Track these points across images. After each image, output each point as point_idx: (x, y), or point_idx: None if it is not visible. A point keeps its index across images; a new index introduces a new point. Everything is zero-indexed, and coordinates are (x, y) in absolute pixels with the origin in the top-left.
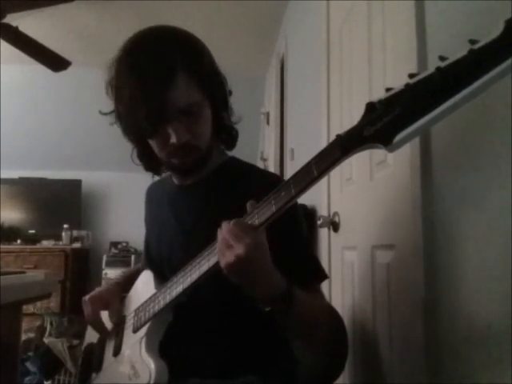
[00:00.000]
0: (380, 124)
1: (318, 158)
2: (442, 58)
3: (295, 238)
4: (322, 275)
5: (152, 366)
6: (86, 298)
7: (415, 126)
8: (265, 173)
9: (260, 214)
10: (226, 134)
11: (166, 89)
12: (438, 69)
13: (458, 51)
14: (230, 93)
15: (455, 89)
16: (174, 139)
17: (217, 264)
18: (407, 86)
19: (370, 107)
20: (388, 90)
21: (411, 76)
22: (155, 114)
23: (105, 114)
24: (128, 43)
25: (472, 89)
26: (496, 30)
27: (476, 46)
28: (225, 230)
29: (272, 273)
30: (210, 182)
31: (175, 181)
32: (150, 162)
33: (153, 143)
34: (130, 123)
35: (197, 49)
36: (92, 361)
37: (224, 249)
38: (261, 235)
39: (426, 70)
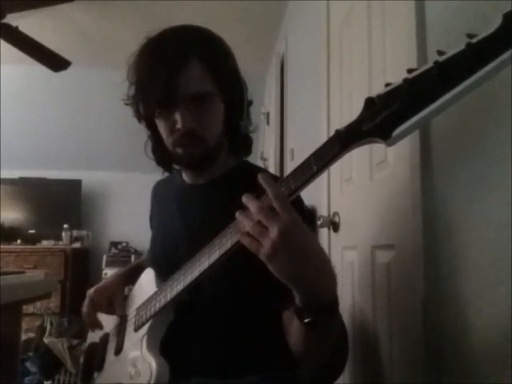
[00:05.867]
0: (379, 118)
1: (317, 153)
2: (440, 53)
3: None
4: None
5: (153, 364)
6: (91, 290)
7: (414, 120)
8: (276, 177)
9: None
10: (240, 142)
11: (177, 72)
12: (436, 63)
13: (456, 45)
14: (251, 103)
15: (453, 82)
16: (179, 124)
17: (217, 262)
18: (405, 80)
19: (369, 102)
20: (387, 85)
21: (410, 71)
22: (163, 95)
23: (127, 104)
24: (154, 32)
25: (470, 82)
26: (494, 24)
27: (474, 40)
28: (256, 210)
29: (325, 260)
30: (222, 183)
31: (187, 179)
32: (162, 155)
33: (161, 128)
34: (142, 103)
35: (217, 46)
36: (94, 360)
37: (260, 236)
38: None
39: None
